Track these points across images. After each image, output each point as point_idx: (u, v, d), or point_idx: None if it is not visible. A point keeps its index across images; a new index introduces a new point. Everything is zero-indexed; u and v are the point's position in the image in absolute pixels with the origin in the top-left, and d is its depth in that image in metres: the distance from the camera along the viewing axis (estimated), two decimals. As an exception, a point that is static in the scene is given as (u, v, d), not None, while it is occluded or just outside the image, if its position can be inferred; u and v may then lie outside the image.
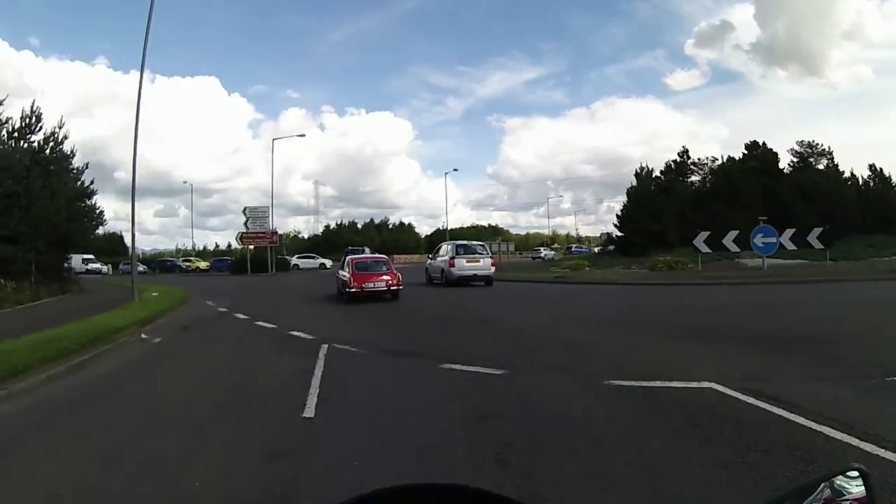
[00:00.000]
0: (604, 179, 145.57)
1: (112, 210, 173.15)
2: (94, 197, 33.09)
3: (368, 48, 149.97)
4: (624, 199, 46.61)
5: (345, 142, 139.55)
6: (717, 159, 49.76)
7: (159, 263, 66.28)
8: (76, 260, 62.22)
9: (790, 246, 25.57)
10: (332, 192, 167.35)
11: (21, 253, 24.79)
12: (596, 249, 69.09)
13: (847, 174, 44.25)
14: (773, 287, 18.53)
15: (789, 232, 25.50)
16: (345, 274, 18.75)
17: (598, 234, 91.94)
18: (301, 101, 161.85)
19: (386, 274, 18.62)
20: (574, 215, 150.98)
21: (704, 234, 26.83)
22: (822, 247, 25.46)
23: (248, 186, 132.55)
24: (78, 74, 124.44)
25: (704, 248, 26.76)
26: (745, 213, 37.30)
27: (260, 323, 12.96)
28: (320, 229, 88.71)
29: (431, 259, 27.47)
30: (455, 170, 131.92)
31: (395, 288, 18.30)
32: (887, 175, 43.21)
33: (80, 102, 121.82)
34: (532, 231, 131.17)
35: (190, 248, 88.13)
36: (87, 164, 32.34)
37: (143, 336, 11.65)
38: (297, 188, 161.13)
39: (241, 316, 14.85)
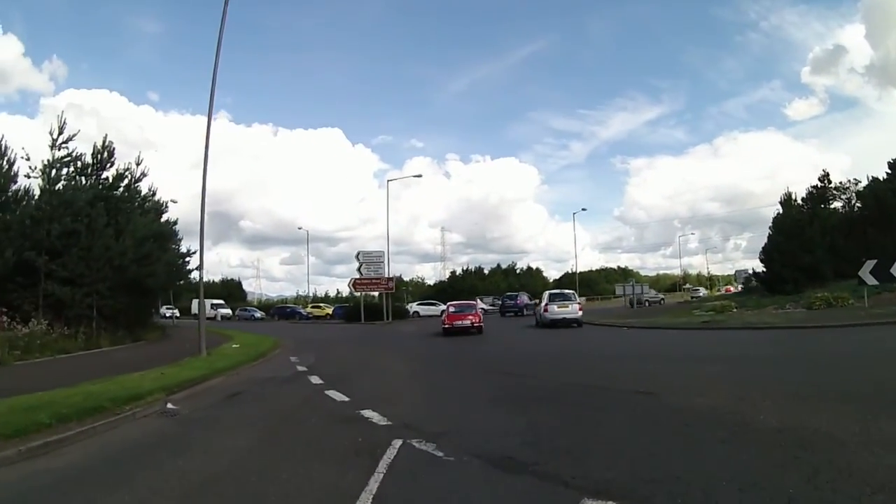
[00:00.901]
0: (728, 217, 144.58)
1: (238, 257, 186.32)
2: (180, 241, 33.36)
3: (489, 96, 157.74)
4: (750, 234, 44.79)
5: (470, 189, 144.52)
6: (859, 181, 46.32)
7: (278, 310, 66.61)
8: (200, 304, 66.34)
9: None
10: (460, 238, 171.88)
11: (80, 296, 23.44)
12: (737, 288, 66.52)
13: None
14: None
15: None
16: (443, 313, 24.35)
17: (734, 272, 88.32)
18: (425, 150, 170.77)
19: (471, 315, 27.81)
20: (706, 253, 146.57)
21: (871, 263, 23.86)
22: None
23: (373, 235, 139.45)
24: (201, 128, 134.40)
25: (872, 280, 23.93)
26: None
27: (331, 393, 10.59)
28: (446, 276, 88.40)
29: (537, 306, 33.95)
30: (584, 209, 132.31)
31: (477, 324, 27.17)
32: None
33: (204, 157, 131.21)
34: (661, 272, 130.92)
35: (312, 294, 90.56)
36: (168, 202, 32.11)
37: (168, 406, 9.64)
38: (424, 235, 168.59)
39: (315, 380, 12.66)
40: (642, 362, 14.08)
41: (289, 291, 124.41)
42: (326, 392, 10.74)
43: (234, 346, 22.24)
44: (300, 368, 15.25)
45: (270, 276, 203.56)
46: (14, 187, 24.89)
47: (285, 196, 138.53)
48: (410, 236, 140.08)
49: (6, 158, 24.39)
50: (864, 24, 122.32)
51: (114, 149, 27.76)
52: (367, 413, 8.31)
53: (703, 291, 70.63)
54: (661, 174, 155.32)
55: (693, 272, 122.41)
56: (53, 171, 24.95)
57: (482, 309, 39.35)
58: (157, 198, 31.38)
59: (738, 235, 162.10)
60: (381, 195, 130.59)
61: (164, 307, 57.82)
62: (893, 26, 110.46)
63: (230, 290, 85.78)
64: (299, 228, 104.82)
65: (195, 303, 69.38)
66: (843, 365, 11.73)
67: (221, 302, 68.07)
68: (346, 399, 9.85)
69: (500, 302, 53.99)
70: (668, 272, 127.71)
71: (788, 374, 10.71)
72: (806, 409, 7.19)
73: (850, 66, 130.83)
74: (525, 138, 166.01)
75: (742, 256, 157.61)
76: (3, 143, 24.38)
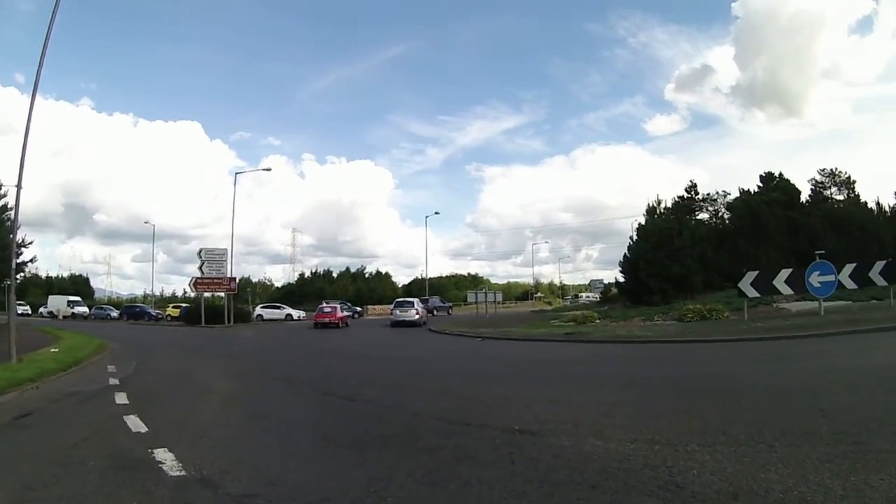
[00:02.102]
0: (581, 228, 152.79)
1: (91, 252, 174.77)
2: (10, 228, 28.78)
3: (350, 96, 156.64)
4: (602, 245, 44.34)
5: (325, 190, 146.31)
6: (728, 193, 46.75)
7: (127, 309, 62.70)
8: (59, 301, 64.10)
9: (850, 284, 22.40)
10: (311, 240, 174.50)
11: None
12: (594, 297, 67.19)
13: (871, 204, 41.01)
14: (857, 338, 15.59)
15: (849, 268, 22.40)
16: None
17: (588, 282, 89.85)
18: (282, 148, 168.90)
19: (335, 315, 40.04)
20: (558, 263, 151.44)
21: (753, 275, 23.02)
22: (885, 283, 22.39)
23: (225, 233, 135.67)
24: (63, 114, 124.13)
25: (753, 293, 23.02)
26: (774, 248, 34.26)
27: (130, 419, 8.35)
28: (295, 278, 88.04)
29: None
30: (436, 213, 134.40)
31: (343, 321, 40.53)
32: None
33: (64, 143, 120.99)
34: (511, 280, 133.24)
35: (160, 294, 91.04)
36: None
37: None
38: (276, 236, 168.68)
39: (120, 399, 10.43)
40: (511, 384, 11.70)
41: (139, 290, 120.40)
42: (125, 418, 8.55)
43: (54, 350, 19.62)
44: (112, 382, 13.02)
45: (122, 274, 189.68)
46: None
47: (140, 190, 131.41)
48: (262, 236, 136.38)
49: None
50: (734, 47, 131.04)
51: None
52: (161, 454, 6.24)
53: (586, 297, 70.50)
54: (515, 183, 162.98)
55: (545, 281, 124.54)
56: None
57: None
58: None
59: (590, 246, 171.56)
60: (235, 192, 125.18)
61: (68, 302, 61.35)
62: (763, 50, 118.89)
63: (78, 287, 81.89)
64: (146, 223, 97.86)
65: (51, 299, 65.89)
66: (775, 389, 9.20)
67: (78, 299, 66.45)
68: (144, 430, 7.78)
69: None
70: (518, 280, 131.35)
71: (703, 404, 8.27)
72: (754, 456, 5.32)
73: (715, 85, 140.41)
74: (382, 142, 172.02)
75: (593, 267, 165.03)
76: None
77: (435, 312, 54.58)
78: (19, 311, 53.10)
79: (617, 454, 5.58)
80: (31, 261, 34.80)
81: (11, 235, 17.76)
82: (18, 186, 16.81)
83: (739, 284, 23.08)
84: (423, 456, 6.01)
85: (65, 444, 7.13)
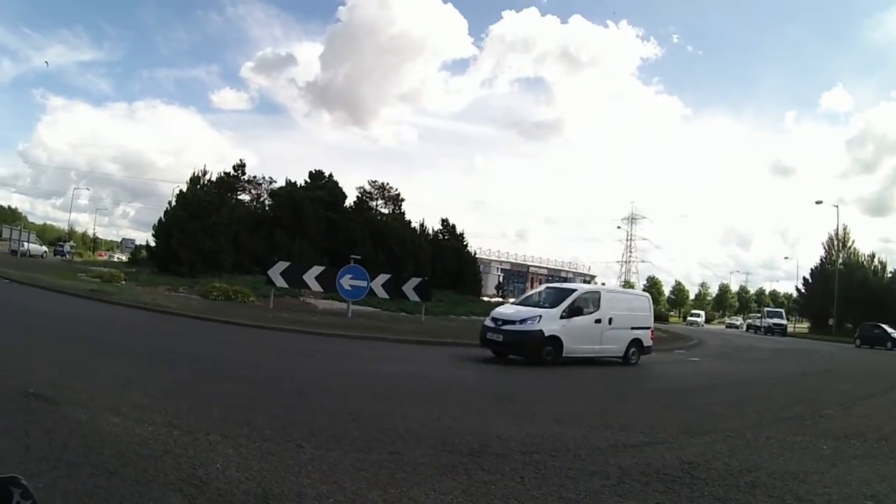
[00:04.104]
0: (125, 182, 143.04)
1: None
2: None
3: None
4: (141, 205, 41.53)
5: None
6: (275, 181, 47.46)
7: None
8: None
9: (382, 294, 24.10)
10: None
11: None
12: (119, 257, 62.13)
13: (415, 224, 46.07)
14: (384, 345, 16.54)
15: (383, 277, 23.99)
16: None
17: (121, 240, 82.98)
18: None
19: None
20: (95, 213, 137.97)
21: (284, 265, 23.29)
22: (417, 299, 24.43)
23: None
24: None
25: (282, 283, 23.29)
26: (310, 244, 35.70)
27: None
28: None
29: None
30: None
31: None
32: (460, 232, 46.51)
33: None
34: (48, 222, 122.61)
35: None
36: None
37: None
38: None
39: None
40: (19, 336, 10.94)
41: None
42: None
43: None
44: None
45: None
46: None
47: None
48: None
49: None
50: (325, 46, 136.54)
51: None
52: None
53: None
54: (74, 119, 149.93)
55: (79, 230, 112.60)
56: None
57: None
58: None
59: (130, 203, 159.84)
60: None
61: None
62: (351, 59, 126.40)
63: None
64: None
65: None
66: (303, 386, 9.04)
67: None
68: None
69: None
70: (55, 224, 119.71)
71: (225, 391, 7.96)
72: (282, 455, 5.07)
73: (293, 76, 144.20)
74: None
75: (128, 225, 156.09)
76: None
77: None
78: None
79: (136, 436, 5.15)
80: None
81: None
82: None
83: (269, 272, 23.11)
84: None
85: None
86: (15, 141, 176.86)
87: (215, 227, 35.88)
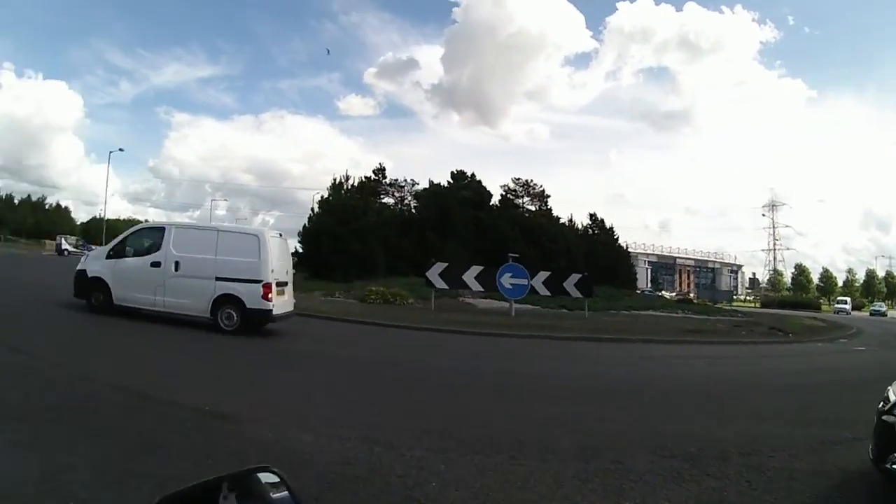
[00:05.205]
0: (260, 191, 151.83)
1: None
2: None
3: (55, 8, 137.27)
4: (279, 213, 42.24)
5: (18, 106, 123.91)
6: (417, 182, 47.55)
7: None
8: None
9: (543, 291, 23.38)
10: None
11: None
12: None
13: (564, 220, 44.74)
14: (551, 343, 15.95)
15: (543, 275, 23.34)
16: None
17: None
18: None
19: None
20: (236, 223, 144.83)
21: (442, 266, 23.22)
22: (579, 295, 23.60)
23: None
24: None
25: (441, 284, 23.14)
26: (460, 244, 35.09)
27: None
28: None
29: None
30: (121, 150, 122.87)
31: None
32: (609, 226, 44.74)
33: None
34: None
35: None
36: None
37: None
38: None
39: None
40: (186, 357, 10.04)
41: None
42: None
43: None
44: None
45: None
46: None
47: None
48: None
49: None
50: (445, 49, 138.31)
51: None
52: None
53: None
54: (202, 134, 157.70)
55: None
56: None
57: None
58: None
59: (268, 211, 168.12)
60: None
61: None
62: (473, 59, 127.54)
63: None
64: None
65: None
66: (504, 389, 8.73)
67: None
68: None
69: None
70: None
71: (418, 399, 7.74)
72: (497, 469, 4.78)
73: (417, 80, 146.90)
74: (80, 64, 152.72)
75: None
76: None
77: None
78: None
79: (333, 455, 4.81)
80: None
81: None
82: None
83: (427, 273, 23.06)
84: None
85: None
86: (144, 158, 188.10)
87: (364, 230, 36.68)
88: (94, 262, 13.55)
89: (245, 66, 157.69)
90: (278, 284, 13.01)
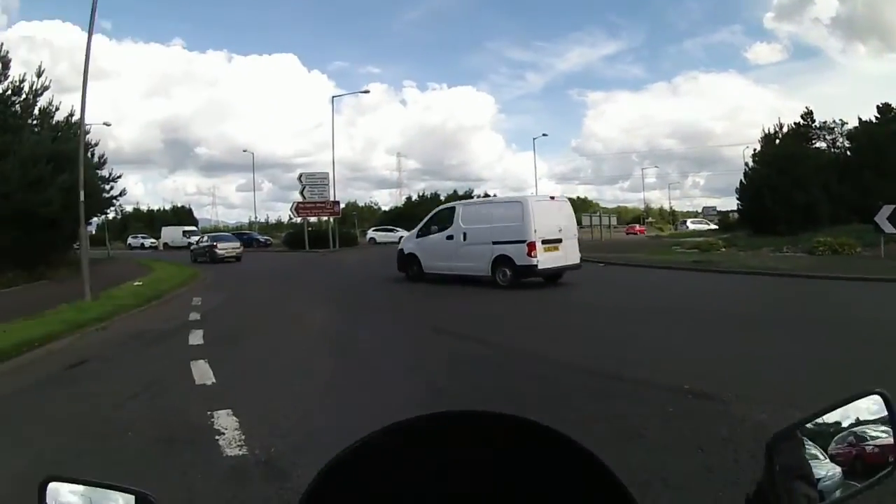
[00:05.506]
0: (687, 154, 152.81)
1: (194, 185, 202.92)
2: (103, 164, 31.75)
3: (443, 25, 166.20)
4: (708, 173, 43.67)
5: (427, 116, 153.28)
6: (846, 122, 45.66)
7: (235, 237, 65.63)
8: (174, 233, 65.51)
9: None
10: (416, 164, 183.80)
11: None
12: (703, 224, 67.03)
13: None
14: None
15: None
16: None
17: (701, 209, 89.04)
18: (382, 76, 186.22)
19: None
20: (668, 189, 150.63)
21: (890, 208, 21.87)
22: None
23: (329, 160, 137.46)
24: (154, 56, 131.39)
25: (890, 228, 21.98)
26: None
27: (197, 366, 7.82)
28: (402, 202, 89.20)
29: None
30: (544, 135, 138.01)
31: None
32: None
33: (158, 83, 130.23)
34: (619, 205, 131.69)
35: (265, 220, 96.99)
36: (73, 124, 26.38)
37: None
38: (381, 161, 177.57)
39: (194, 339, 9.88)
40: (657, 324, 10.49)
41: (245, 218, 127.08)
42: (193, 364, 7.91)
43: (137, 283, 19.60)
44: (192, 317, 12.77)
45: (228, 203, 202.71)
46: None
47: (241, 122, 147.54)
48: (366, 162, 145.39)
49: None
50: None
51: (9, 59, 24.15)
52: (223, 419, 5.46)
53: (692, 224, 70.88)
54: (619, 108, 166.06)
55: (654, 207, 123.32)
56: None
57: None
58: (63, 115, 27.97)
59: (697, 173, 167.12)
60: (337, 121, 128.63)
61: (137, 236, 68.23)
62: None
63: (180, 218, 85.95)
64: (244, 151, 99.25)
65: (165, 231, 67.78)
66: None
67: (193, 229, 68.38)
68: (210, 382, 7.10)
69: None
70: (626, 205, 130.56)
71: None
72: None
73: (815, 16, 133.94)
74: (481, 68, 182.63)
75: (700, 194, 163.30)
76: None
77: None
78: (147, 244, 64.29)
79: None
80: (121, 194, 36.62)
81: (82, 155, 16.69)
82: (82, 119, 17.23)
83: (876, 218, 21.95)
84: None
85: (110, 401, 6.37)
86: (565, 139, 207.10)
87: (805, 179, 36.30)
88: (409, 241, 17.30)
89: (645, 35, 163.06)
90: (547, 241, 15.35)
